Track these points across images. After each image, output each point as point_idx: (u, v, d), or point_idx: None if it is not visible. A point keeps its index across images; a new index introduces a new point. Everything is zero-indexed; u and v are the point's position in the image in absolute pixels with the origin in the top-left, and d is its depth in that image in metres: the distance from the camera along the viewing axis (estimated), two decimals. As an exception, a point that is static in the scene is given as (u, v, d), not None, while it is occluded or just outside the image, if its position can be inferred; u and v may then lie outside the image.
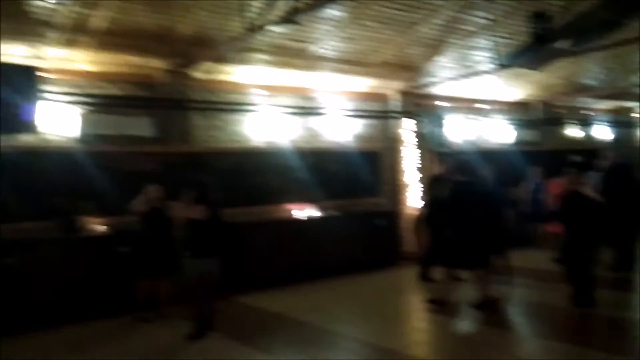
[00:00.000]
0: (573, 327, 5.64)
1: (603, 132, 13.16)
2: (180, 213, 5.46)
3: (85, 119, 6.67)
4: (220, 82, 7.80)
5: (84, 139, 6.72)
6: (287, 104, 8.49)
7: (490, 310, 5.93)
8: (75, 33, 5.96)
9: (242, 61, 7.41)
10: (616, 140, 13.21)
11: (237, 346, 5.21)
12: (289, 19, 5.18)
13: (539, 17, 5.96)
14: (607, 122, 13.36)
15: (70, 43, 6.07)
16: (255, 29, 5.80)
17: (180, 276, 5.55)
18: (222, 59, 7.17)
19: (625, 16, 8.23)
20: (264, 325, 5.91)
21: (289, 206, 8.43)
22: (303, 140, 8.71)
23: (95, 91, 6.79)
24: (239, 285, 7.10)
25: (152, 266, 5.93)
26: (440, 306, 6.16)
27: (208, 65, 7.24)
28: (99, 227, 6.71)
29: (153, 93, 7.23)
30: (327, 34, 7.12)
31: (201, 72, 7.37)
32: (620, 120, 13.65)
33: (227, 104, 7.89)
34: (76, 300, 6.10)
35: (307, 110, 8.71)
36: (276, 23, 5.35)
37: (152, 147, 7.13)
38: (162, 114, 7.25)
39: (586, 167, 7.08)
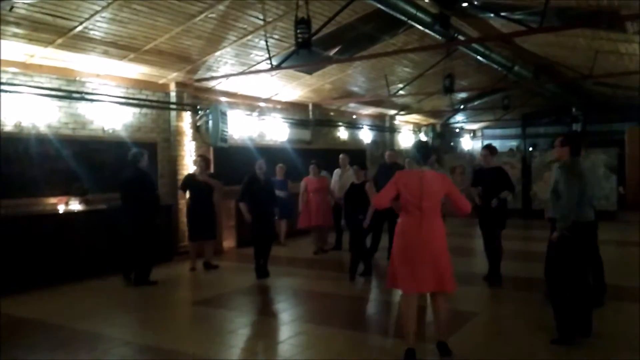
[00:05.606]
0: (335, 311, 6.18)
1: (365, 134, 14.87)
2: None
3: None
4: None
5: None
6: (47, 85, 7.65)
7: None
8: None
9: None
10: (374, 142, 15.05)
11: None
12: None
13: (301, 23, 6.39)
14: (370, 125, 15.14)
15: None
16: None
17: None
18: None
19: (382, 32, 9.43)
20: (8, 332, 5.22)
21: (48, 199, 7.61)
22: (67, 127, 7.95)
23: None
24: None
25: None
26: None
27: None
28: None
29: None
30: (92, 13, 6.60)
31: None
32: (380, 125, 15.61)
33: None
34: None
35: (71, 94, 7.97)
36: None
37: None
38: None
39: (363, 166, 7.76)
